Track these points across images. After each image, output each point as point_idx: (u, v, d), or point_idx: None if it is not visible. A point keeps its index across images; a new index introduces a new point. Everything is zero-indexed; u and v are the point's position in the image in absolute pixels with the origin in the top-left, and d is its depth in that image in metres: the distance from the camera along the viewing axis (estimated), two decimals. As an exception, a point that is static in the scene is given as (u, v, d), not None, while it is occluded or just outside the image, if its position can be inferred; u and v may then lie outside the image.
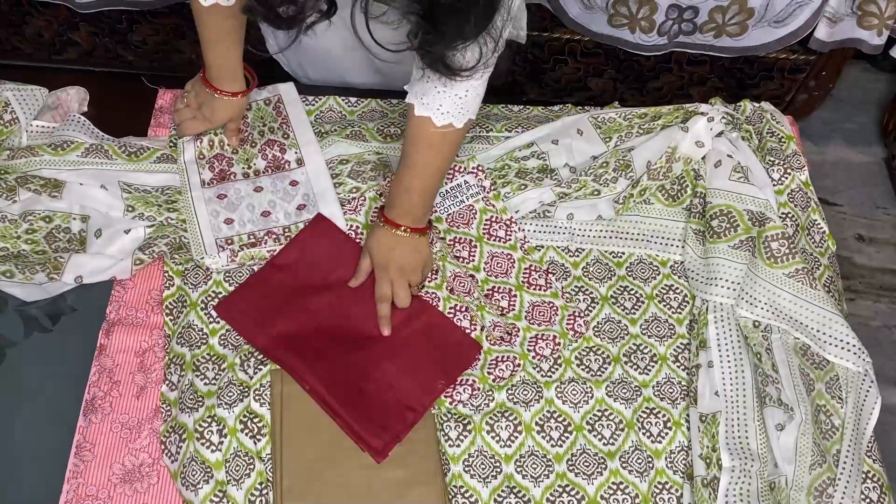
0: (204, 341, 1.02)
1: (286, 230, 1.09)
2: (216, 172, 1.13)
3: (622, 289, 1.11)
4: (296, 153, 1.14)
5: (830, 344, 0.97)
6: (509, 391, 1.02)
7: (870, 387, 0.94)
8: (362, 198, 1.13)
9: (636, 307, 1.10)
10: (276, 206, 1.11)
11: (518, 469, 0.97)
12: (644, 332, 1.08)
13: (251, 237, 1.08)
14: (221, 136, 1.16)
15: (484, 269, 1.10)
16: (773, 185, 1.14)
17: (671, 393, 1.03)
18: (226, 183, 1.13)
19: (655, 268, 1.13)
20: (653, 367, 1.05)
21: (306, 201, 1.11)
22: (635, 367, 1.05)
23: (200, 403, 0.96)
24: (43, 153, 1.10)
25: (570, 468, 0.97)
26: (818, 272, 1.10)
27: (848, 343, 0.96)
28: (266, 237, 1.08)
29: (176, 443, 0.95)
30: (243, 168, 1.14)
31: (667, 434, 1.00)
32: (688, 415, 1.01)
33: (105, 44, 1.81)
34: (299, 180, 1.12)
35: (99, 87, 1.24)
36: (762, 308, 1.02)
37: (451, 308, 1.06)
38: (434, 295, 1.07)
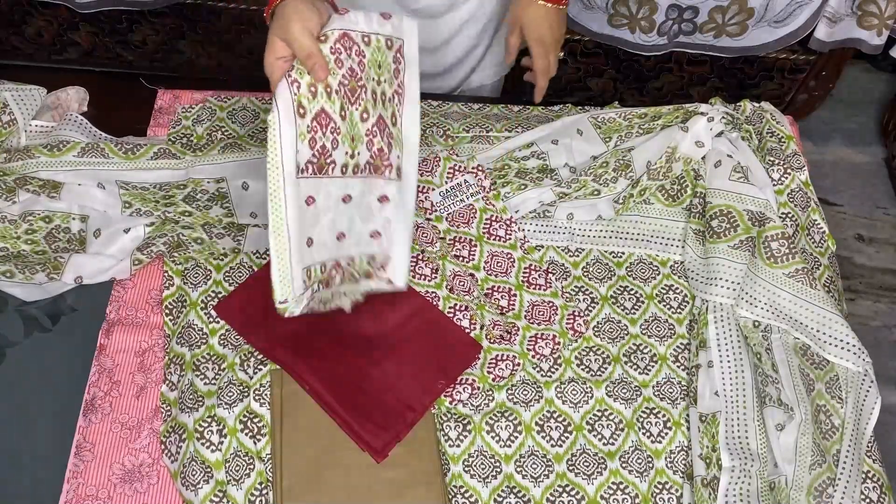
0: (204, 341, 1.03)
1: (350, 262, 0.89)
2: (315, 150, 0.85)
3: (622, 289, 1.11)
4: (398, 157, 0.91)
5: (830, 344, 0.97)
6: (509, 391, 1.02)
7: (870, 387, 0.94)
8: (362, 198, 1.12)
9: (636, 307, 1.10)
10: (353, 226, 0.89)
11: (518, 469, 0.97)
12: (644, 332, 1.08)
13: (323, 270, 0.87)
14: (328, 79, 0.86)
15: (484, 268, 1.10)
16: (773, 185, 1.14)
17: (671, 393, 1.03)
18: (321, 178, 0.86)
19: (655, 268, 1.13)
20: (653, 367, 1.05)
21: (384, 231, 0.90)
22: (635, 367, 1.05)
23: (200, 403, 0.97)
24: (39, 154, 1.10)
25: (570, 468, 0.97)
26: (818, 272, 1.10)
27: (848, 343, 0.96)
28: (334, 271, 0.88)
29: (176, 443, 0.95)
30: (346, 154, 0.87)
31: (667, 434, 1.00)
32: (688, 415, 1.01)
33: (105, 44, 1.82)
34: (390, 197, 0.90)
35: (99, 87, 1.25)
36: (762, 308, 1.02)
37: (450, 307, 1.06)
38: (434, 294, 1.07)
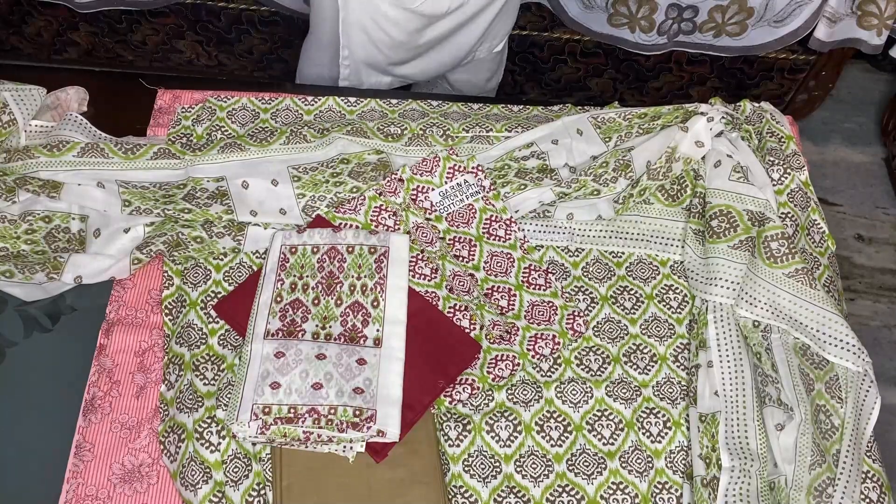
0: (203, 341, 1.03)
1: (332, 411, 0.94)
2: (286, 322, 1.01)
3: (622, 289, 1.11)
4: (377, 330, 1.01)
5: (830, 344, 0.97)
6: (509, 391, 1.02)
7: (869, 387, 0.94)
8: (362, 198, 1.13)
9: (636, 307, 1.10)
10: (331, 379, 0.96)
11: (518, 469, 0.97)
12: (644, 332, 1.08)
13: (291, 411, 0.94)
14: (307, 279, 1.05)
15: (483, 268, 1.10)
16: (773, 185, 1.14)
17: (671, 393, 1.03)
18: (290, 340, 0.99)
19: (655, 268, 1.13)
20: (653, 367, 1.05)
21: (366, 388, 0.96)
22: (635, 367, 1.05)
23: (200, 404, 0.97)
24: (39, 154, 1.10)
25: (570, 468, 0.97)
26: (818, 272, 1.10)
27: (847, 343, 0.96)
28: (307, 415, 0.93)
29: (175, 442, 0.95)
30: (316, 326, 1.01)
31: (666, 434, 1.00)
32: (687, 415, 1.01)
33: (105, 44, 1.82)
34: (368, 361, 0.98)
35: (99, 87, 1.25)
36: (762, 308, 1.02)
37: (450, 307, 1.06)
38: (434, 294, 1.07)
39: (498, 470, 0.96)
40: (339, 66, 1.30)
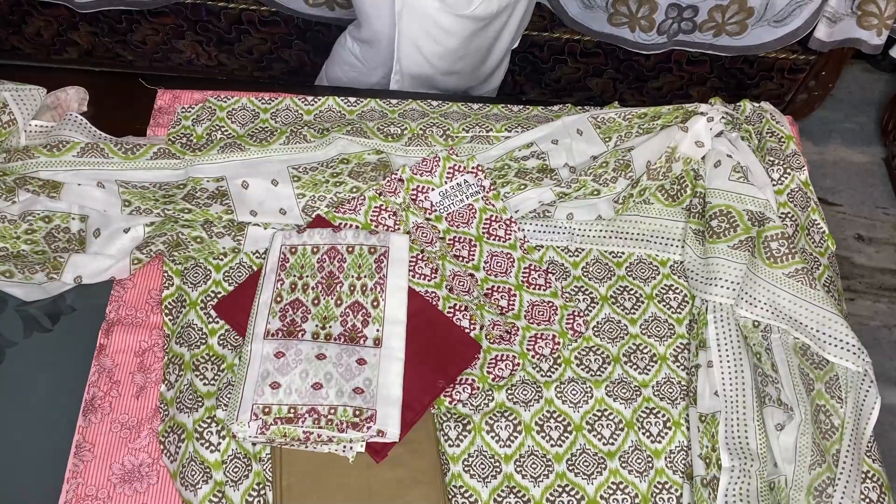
0: (203, 341, 1.03)
1: (332, 411, 0.94)
2: (286, 322, 1.01)
3: (622, 289, 1.11)
4: (377, 330, 1.01)
5: (830, 344, 0.97)
6: (509, 391, 1.02)
7: (869, 387, 0.94)
8: (362, 198, 1.13)
9: (636, 307, 1.10)
10: (331, 379, 0.96)
11: (518, 469, 0.97)
12: (644, 331, 1.08)
13: (291, 411, 0.94)
14: (307, 279, 1.05)
15: (483, 268, 1.10)
16: (773, 184, 1.14)
17: (671, 393, 1.03)
18: (290, 340, 0.99)
19: (655, 268, 1.13)
20: (652, 366, 1.05)
21: (366, 388, 0.96)
22: (635, 367, 1.05)
23: (200, 404, 0.97)
24: (39, 154, 1.10)
25: (570, 468, 0.97)
26: (818, 272, 1.10)
27: (847, 343, 0.96)
28: (307, 415, 0.94)
29: (175, 442, 0.95)
30: (316, 326, 1.02)
31: (666, 434, 1.00)
32: (687, 415, 1.01)
33: (105, 44, 1.82)
34: (368, 361, 0.99)
35: (99, 87, 1.25)
36: (762, 308, 1.02)
37: (450, 307, 1.06)
38: (434, 294, 1.07)
39: (498, 470, 0.96)
40: (390, 79, 1.34)
